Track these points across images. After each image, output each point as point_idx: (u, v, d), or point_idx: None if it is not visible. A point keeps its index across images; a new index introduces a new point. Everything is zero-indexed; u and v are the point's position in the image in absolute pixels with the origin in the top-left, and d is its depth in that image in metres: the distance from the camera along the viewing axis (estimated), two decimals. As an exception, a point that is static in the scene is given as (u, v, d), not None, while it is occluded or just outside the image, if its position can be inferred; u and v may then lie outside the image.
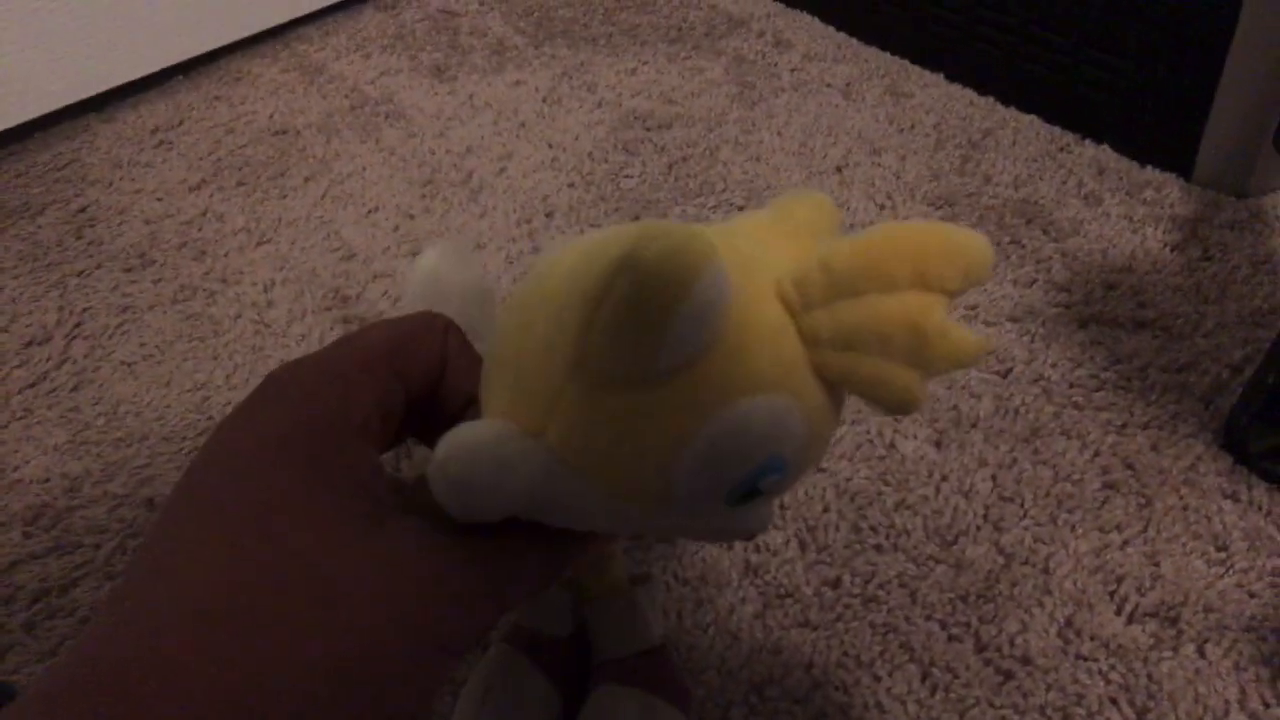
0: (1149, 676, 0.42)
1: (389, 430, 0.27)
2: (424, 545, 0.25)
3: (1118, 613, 0.45)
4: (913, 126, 0.75)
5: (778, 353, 0.24)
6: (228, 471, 0.25)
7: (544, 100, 0.80)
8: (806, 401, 0.24)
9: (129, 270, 0.65)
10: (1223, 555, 0.47)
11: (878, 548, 0.47)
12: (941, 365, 0.23)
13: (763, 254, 0.25)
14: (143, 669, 0.22)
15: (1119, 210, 0.67)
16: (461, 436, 0.24)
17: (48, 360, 0.59)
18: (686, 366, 0.23)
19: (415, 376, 0.28)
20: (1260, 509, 0.48)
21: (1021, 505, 0.49)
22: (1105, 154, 0.72)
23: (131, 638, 0.22)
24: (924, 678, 0.43)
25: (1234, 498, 0.49)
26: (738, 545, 0.47)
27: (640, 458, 0.24)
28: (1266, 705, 0.41)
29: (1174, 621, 0.44)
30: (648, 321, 0.22)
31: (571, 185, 0.71)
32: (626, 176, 0.71)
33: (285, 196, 0.71)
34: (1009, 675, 0.42)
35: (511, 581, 0.26)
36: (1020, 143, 0.73)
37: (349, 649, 0.23)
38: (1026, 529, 0.48)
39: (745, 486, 0.24)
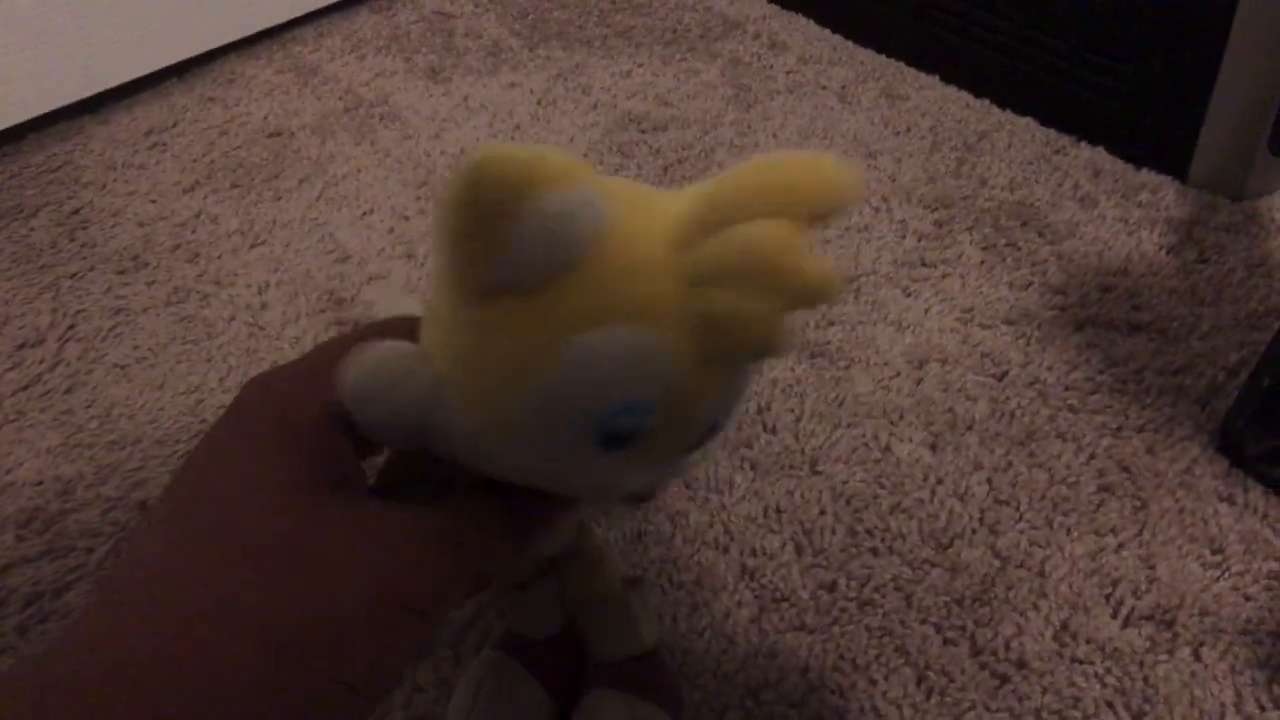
0: (1145, 680, 0.42)
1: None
2: (384, 513, 0.26)
3: (1113, 616, 0.45)
4: (908, 129, 0.75)
5: (651, 287, 0.23)
6: (199, 467, 0.26)
7: (539, 102, 0.80)
8: (681, 344, 0.23)
9: (122, 272, 0.65)
10: (1218, 558, 0.46)
11: (873, 551, 0.47)
12: (797, 296, 0.22)
13: (672, 200, 0.25)
14: (93, 646, 0.22)
15: (1114, 213, 0.67)
16: (367, 351, 0.25)
17: (40, 363, 0.59)
18: (543, 286, 0.23)
19: None
20: (1256, 512, 0.48)
21: (1017, 508, 0.49)
22: (1101, 156, 0.72)
23: (92, 620, 0.23)
24: (919, 681, 0.43)
25: (1230, 501, 0.49)
26: (733, 549, 0.47)
27: (499, 383, 0.24)
28: (1262, 708, 0.41)
29: (1170, 625, 0.44)
30: (486, 226, 0.22)
31: (567, 187, 0.70)
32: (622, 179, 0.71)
33: (279, 198, 0.71)
34: (1005, 679, 0.42)
35: (473, 543, 0.26)
36: (1016, 145, 0.73)
37: (306, 611, 0.23)
38: (1022, 532, 0.48)
39: (602, 426, 0.23)
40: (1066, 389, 0.55)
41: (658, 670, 0.40)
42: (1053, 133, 0.74)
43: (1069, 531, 0.48)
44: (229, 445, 0.26)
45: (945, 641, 0.44)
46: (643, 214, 0.24)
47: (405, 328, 0.30)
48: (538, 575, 0.39)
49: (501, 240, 0.22)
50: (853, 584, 0.46)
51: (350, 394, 0.25)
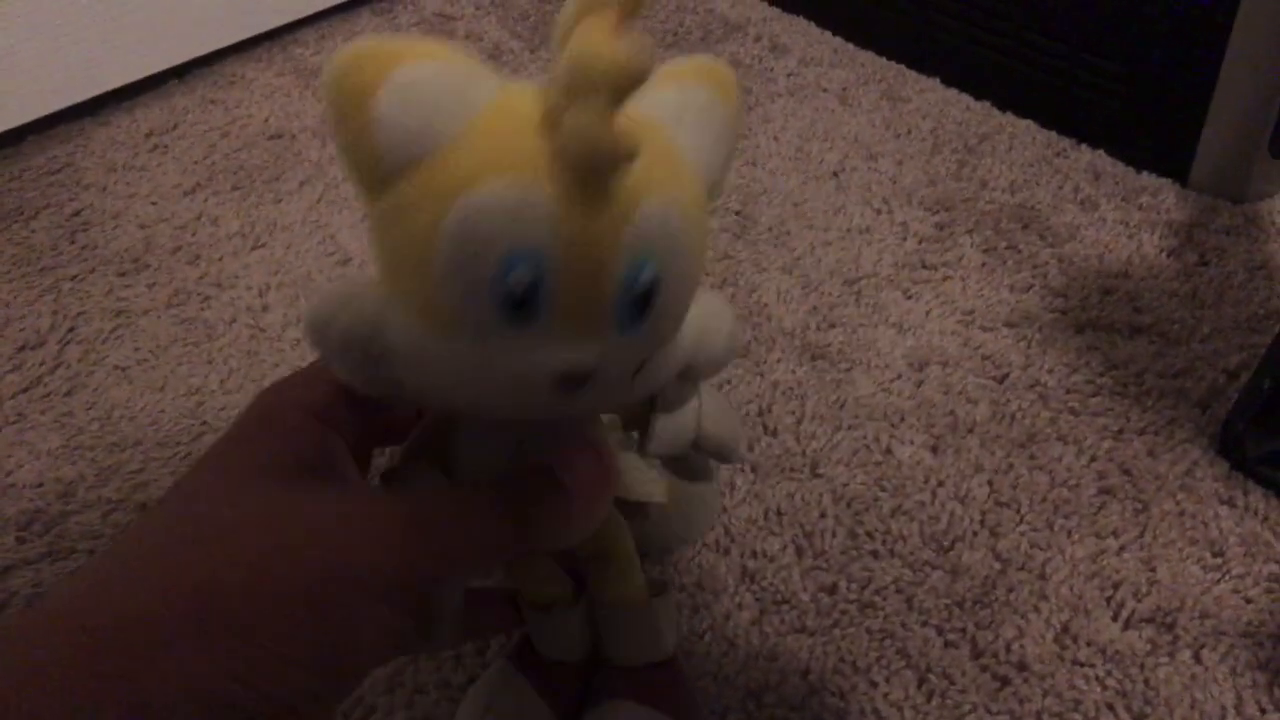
0: (1145, 682, 0.42)
1: (357, 421, 0.29)
2: (352, 495, 0.26)
3: (1114, 618, 0.45)
4: (909, 131, 0.75)
5: (524, 142, 0.23)
6: (194, 467, 0.26)
7: (540, 104, 0.80)
8: (562, 188, 0.22)
9: (123, 274, 0.65)
10: (1219, 561, 0.46)
11: (874, 554, 0.47)
12: (611, 82, 0.22)
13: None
14: (32, 621, 0.23)
15: (1115, 215, 0.67)
16: (327, 284, 0.25)
17: (41, 365, 0.59)
18: (416, 162, 0.23)
19: None
20: (1257, 514, 0.48)
21: (1018, 511, 0.49)
22: (1101, 159, 0.72)
23: (55, 591, 0.24)
24: (920, 684, 0.43)
25: (1230, 503, 0.49)
26: (733, 551, 0.47)
27: (406, 268, 0.24)
28: (1263, 711, 0.41)
29: (1170, 627, 0.44)
30: (351, 111, 0.22)
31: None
32: (623, 181, 0.71)
33: (280, 201, 0.71)
34: (1006, 681, 0.42)
35: (447, 526, 0.26)
36: (1016, 148, 0.73)
37: (242, 585, 0.23)
38: (1023, 534, 0.48)
39: (497, 287, 0.23)
40: (1067, 391, 0.55)
41: (676, 681, 0.39)
42: (1053, 135, 0.74)
43: (1070, 534, 0.48)
44: (219, 443, 0.27)
45: (946, 644, 0.44)
46: (519, 90, 0.24)
47: None
48: (565, 598, 0.37)
49: (369, 121, 0.22)
50: (854, 586, 0.46)
51: (308, 323, 0.26)
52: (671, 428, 0.33)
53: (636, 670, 0.38)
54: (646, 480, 0.34)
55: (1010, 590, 0.46)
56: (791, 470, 0.51)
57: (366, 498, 0.26)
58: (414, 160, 0.23)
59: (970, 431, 0.53)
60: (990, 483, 0.50)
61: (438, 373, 0.25)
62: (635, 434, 0.34)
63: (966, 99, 0.79)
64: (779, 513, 0.49)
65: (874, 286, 0.62)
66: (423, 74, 0.23)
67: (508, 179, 0.22)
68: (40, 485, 0.52)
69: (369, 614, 0.24)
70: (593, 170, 0.22)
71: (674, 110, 0.26)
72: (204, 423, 0.55)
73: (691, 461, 0.40)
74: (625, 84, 0.22)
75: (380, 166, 0.23)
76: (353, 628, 0.24)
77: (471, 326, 0.24)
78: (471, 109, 0.23)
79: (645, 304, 0.25)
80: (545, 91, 0.23)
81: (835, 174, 0.71)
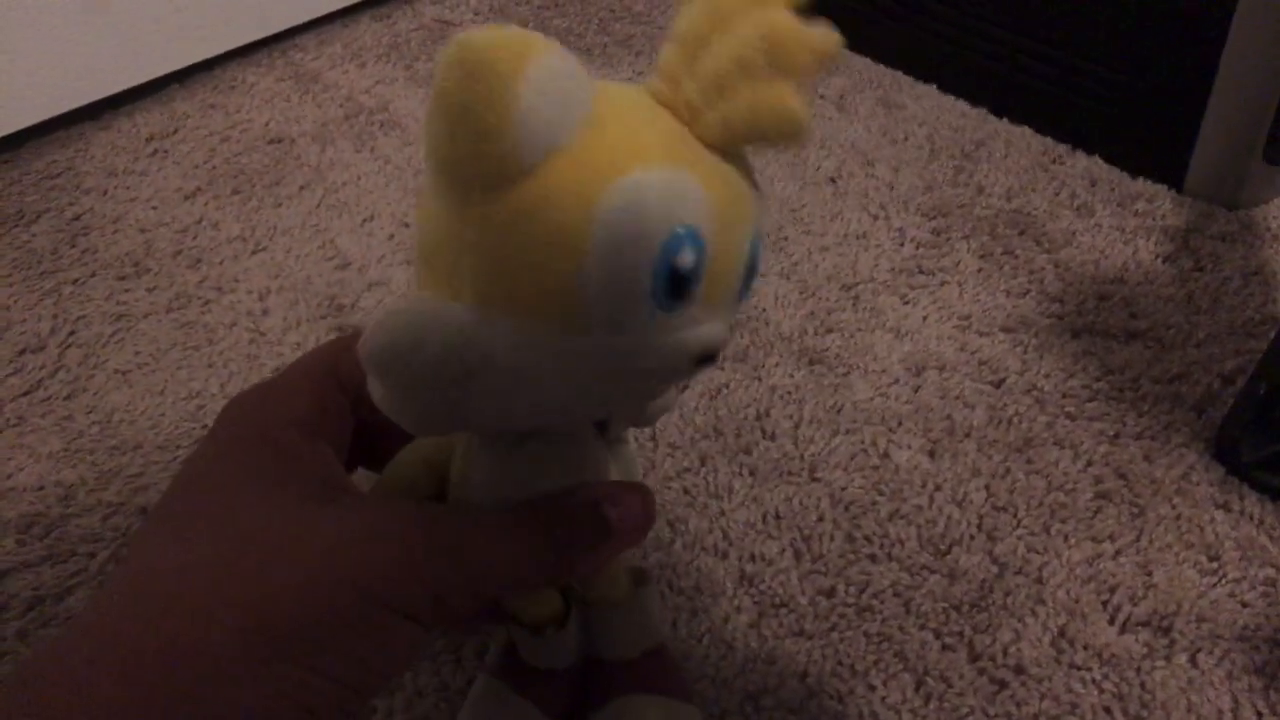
0: (1142, 686, 0.42)
1: (342, 430, 0.29)
2: (371, 513, 0.26)
3: (1111, 622, 0.45)
4: (906, 138, 0.76)
5: (656, 128, 0.23)
6: (189, 478, 0.26)
7: (539, 110, 0.80)
8: (701, 170, 0.23)
9: (123, 278, 0.65)
10: (1215, 565, 0.47)
11: (872, 557, 0.48)
12: (804, 61, 0.23)
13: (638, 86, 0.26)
14: (84, 631, 0.23)
15: (1111, 221, 0.67)
16: (382, 311, 0.24)
17: (41, 368, 0.59)
18: (555, 152, 0.22)
19: (357, 377, 0.28)
20: (1252, 519, 0.49)
21: (1015, 515, 0.49)
22: (1097, 165, 0.72)
23: (87, 612, 0.24)
24: (918, 687, 0.43)
25: (1226, 508, 0.49)
26: (731, 554, 0.48)
27: (541, 266, 0.22)
28: (1259, 714, 0.41)
29: (1167, 631, 0.44)
30: (484, 101, 0.21)
31: (566, 195, 0.71)
32: (621, 186, 0.72)
33: (280, 205, 0.71)
34: (1003, 684, 0.43)
35: (473, 552, 0.26)
36: (1013, 154, 0.74)
37: (290, 604, 0.23)
38: (1020, 538, 0.48)
39: (663, 269, 0.22)
40: (1064, 396, 0.55)
41: (669, 663, 0.39)
42: (1049, 142, 0.75)
43: (1066, 538, 0.48)
44: (214, 459, 0.27)
45: (944, 647, 0.44)
46: (616, 89, 0.25)
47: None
48: (556, 618, 0.37)
49: (502, 113, 0.21)
50: (851, 590, 0.46)
51: (384, 350, 0.23)
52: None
53: (634, 662, 0.38)
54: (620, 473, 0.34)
55: (1007, 594, 0.46)
56: (789, 474, 0.51)
57: (386, 513, 0.26)
58: (551, 152, 0.22)
59: (967, 436, 0.53)
60: (987, 487, 0.50)
61: (547, 381, 0.24)
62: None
63: (963, 105, 0.79)
64: (777, 516, 0.49)
65: (871, 292, 0.62)
66: (555, 63, 0.22)
67: (650, 167, 0.22)
68: (40, 488, 0.52)
69: (400, 630, 0.25)
70: (771, 142, 0.23)
71: None
72: (204, 426, 0.55)
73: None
74: (821, 65, 0.23)
75: (513, 161, 0.22)
76: (385, 644, 0.24)
77: (614, 316, 0.23)
78: (590, 100, 0.23)
79: (754, 273, 0.26)
80: (669, 80, 0.24)
81: (832, 180, 0.72)
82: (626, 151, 0.22)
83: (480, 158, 0.22)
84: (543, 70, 0.21)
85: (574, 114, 0.22)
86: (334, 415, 0.29)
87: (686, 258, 0.22)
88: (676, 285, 0.23)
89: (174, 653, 0.22)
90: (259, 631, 0.23)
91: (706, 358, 0.24)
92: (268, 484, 0.26)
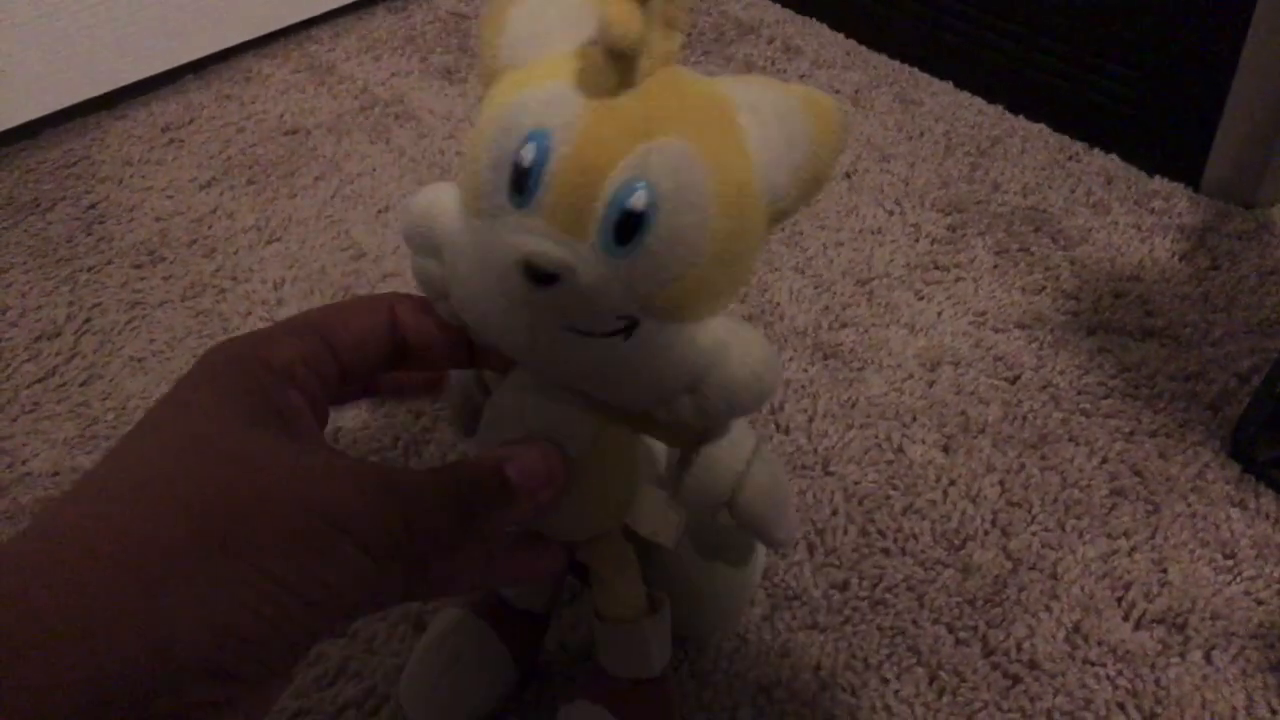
0: (1156, 682, 0.42)
1: (322, 384, 0.30)
2: (328, 453, 0.27)
3: (1125, 618, 0.45)
4: (922, 134, 0.76)
5: (588, 64, 0.27)
6: (162, 401, 0.27)
7: (554, 103, 0.80)
8: (592, 93, 0.26)
9: (139, 267, 0.66)
10: (1230, 563, 0.47)
11: (885, 551, 0.48)
12: None
13: None
14: (42, 530, 0.24)
15: (1127, 219, 0.67)
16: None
17: (57, 355, 0.59)
18: (517, 66, 0.28)
19: (345, 341, 0.30)
20: (1268, 517, 0.48)
21: (1029, 511, 0.49)
22: (1114, 163, 0.72)
23: (47, 512, 0.25)
24: (931, 681, 0.43)
25: (1241, 505, 0.49)
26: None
27: (471, 151, 0.28)
28: (1274, 712, 0.41)
29: (1181, 628, 0.44)
30: (493, 15, 0.29)
31: (581, 188, 0.71)
32: (636, 180, 0.72)
33: (295, 195, 0.71)
34: (1016, 680, 0.43)
35: (414, 506, 0.27)
36: (1029, 151, 0.73)
37: (241, 506, 0.24)
38: (1034, 534, 0.48)
39: (508, 160, 0.26)
40: (1079, 393, 0.55)
41: (657, 700, 0.39)
42: (1065, 139, 0.74)
43: (1081, 534, 0.48)
44: (190, 387, 0.27)
45: (957, 642, 0.44)
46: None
47: (377, 300, 0.32)
48: (633, 620, 0.37)
49: (496, 26, 0.28)
50: (865, 584, 0.46)
51: (400, 223, 0.30)
52: (708, 476, 0.32)
53: (620, 679, 0.38)
54: (659, 518, 0.34)
55: (1021, 589, 0.46)
56: (803, 468, 0.51)
57: (344, 456, 0.27)
58: (515, 65, 0.28)
59: (982, 432, 0.53)
60: (1002, 483, 0.50)
61: (458, 261, 0.29)
62: (676, 473, 0.33)
63: (979, 102, 0.79)
64: (791, 510, 0.49)
65: (886, 287, 0.62)
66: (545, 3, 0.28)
67: (557, 80, 0.27)
68: (56, 474, 0.52)
69: (352, 557, 0.25)
70: (608, 51, 0.25)
71: (754, 99, 0.28)
72: (219, 414, 0.55)
73: (727, 538, 0.40)
74: None
75: (493, 62, 0.28)
76: (338, 566, 0.25)
77: (488, 202, 0.27)
78: (569, 39, 0.27)
79: (632, 229, 0.26)
80: None
81: (848, 175, 0.72)
82: (546, 74, 0.27)
83: (481, 55, 0.29)
84: (534, 3, 0.28)
85: (542, 42, 0.28)
86: (312, 367, 0.29)
87: (527, 153, 0.26)
88: (517, 178, 0.26)
89: (129, 544, 0.23)
90: (215, 534, 0.23)
91: (536, 272, 0.26)
92: (238, 412, 0.26)
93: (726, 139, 0.27)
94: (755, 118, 0.28)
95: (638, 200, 0.26)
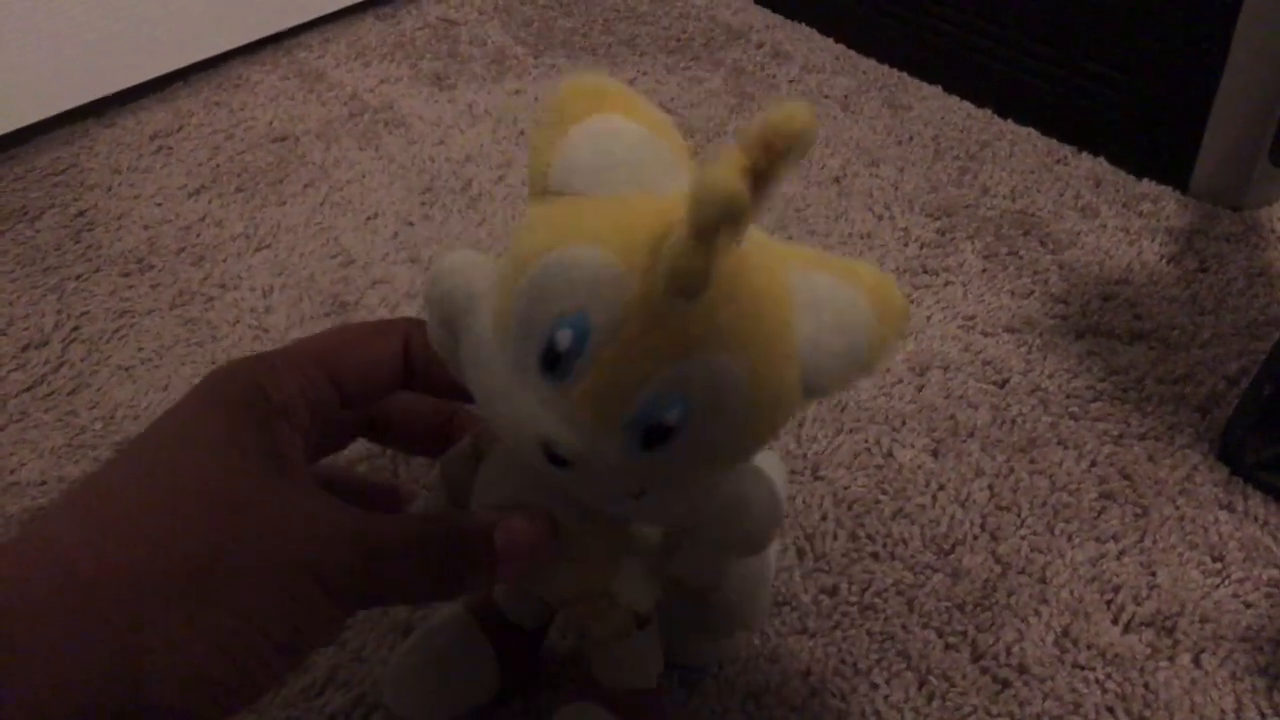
0: (1145, 686, 0.42)
1: (320, 419, 0.30)
2: (314, 498, 0.27)
3: (1114, 622, 0.45)
4: (911, 138, 0.76)
5: (636, 219, 0.25)
6: (158, 426, 0.27)
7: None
8: (646, 290, 0.24)
9: (127, 275, 0.65)
10: (1219, 565, 0.47)
11: (875, 556, 0.48)
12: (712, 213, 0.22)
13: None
14: (21, 551, 0.24)
15: (1116, 222, 0.67)
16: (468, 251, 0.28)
17: (45, 364, 0.59)
18: (570, 193, 0.26)
19: (350, 376, 0.30)
20: (1256, 520, 0.48)
21: (1018, 515, 0.49)
22: (1102, 166, 0.72)
23: (30, 530, 0.26)
24: (921, 685, 0.43)
25: (1230, 508, 0.49)
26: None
27: (506, 270, 0.26)
28: (1263, 715, 0.41)
29: (1170, 631, 0.44)
30: (550, 129, 0.26)
31: (570, 193, 0.71)
32: (625, 185, 0.71)
33: (284, 203, 0.71)
34: (1006, 684, 0.43)
35: (381, 557, 0.27)
36: (1018, 155, 0.73)
37: (220, 554, 0.25)
38: (1023, 538, 0.48)
39: (546, 335, 0.25)
40: (1068, 396, 0.55)
41: (654, 706, 0.39)
42: (1054, 143, 0.74)
43: (1070, 538, 0.48)
44: (187, 416, 0.28)
45: (947, 646, 0.44)
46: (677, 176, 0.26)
47: (388, 329, 0.32)
48: (621, 638, 0.37)
49: (551, 142, 0.26)
50: (854, 588, 0.46)
51: (431, 273, 0.28)
52: (691, 565, 0.34)
53: (613, 691, 0.38)
54: (639, 590, 0.34)
55: (1011, 593, 0.46)
56: (793, 473, 0.51)
57: (329, 502, 0.28)
58: (566, 192, 0.26)
59: (971, 436, 0.53)
60: (991, 487, 0.50)
61: (478, 374, 0.27)
62: (662, 553, 0.34)
63: (968, 106, 0.79)
64: (780, 515, 0.49)
65: (875, 291, 0.62)
66: (622, 130, 0.26)
67: (609, 252, 0.24)
68: (43, 483, 0.52)
69: (322, 603, 0.26)
70: (669, 286, 0.23)
71: (817, 295, 0.26)
72: (207, 422, 0.55)
73: (708, 615, 0.40)
74: (719, 221, 0.22)
75: (541, 181, 0.26)
76: (311, 615, 0.26)
77: (518, 354, 0.26)
78: (643, 184, 0.25)
79: (658, 439, 0.25)
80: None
81: (837, 180, 0.72)
82: (595, 229, 0.25)
83: (531, 166, 0.27)
84: (601, 129, 0.26)
85: (603, 179, 0.26)
86: (311, 402, 0.29)
87: (563, 338, 0.24)
88: (549, 360, 0.25)
89: (111, 575, 0.23)
90: (195, 575, 0.24)
91: (552, 454, 0.26)
92: (234, 451, 0.27)
93: (775, 347, 0.26)
94: (812, 317, 0.26)
95: (670, 417, 0.25)
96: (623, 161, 0.26)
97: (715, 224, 0.21)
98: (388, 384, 0.32)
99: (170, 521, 0.24)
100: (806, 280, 0.26)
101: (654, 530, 0.35)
